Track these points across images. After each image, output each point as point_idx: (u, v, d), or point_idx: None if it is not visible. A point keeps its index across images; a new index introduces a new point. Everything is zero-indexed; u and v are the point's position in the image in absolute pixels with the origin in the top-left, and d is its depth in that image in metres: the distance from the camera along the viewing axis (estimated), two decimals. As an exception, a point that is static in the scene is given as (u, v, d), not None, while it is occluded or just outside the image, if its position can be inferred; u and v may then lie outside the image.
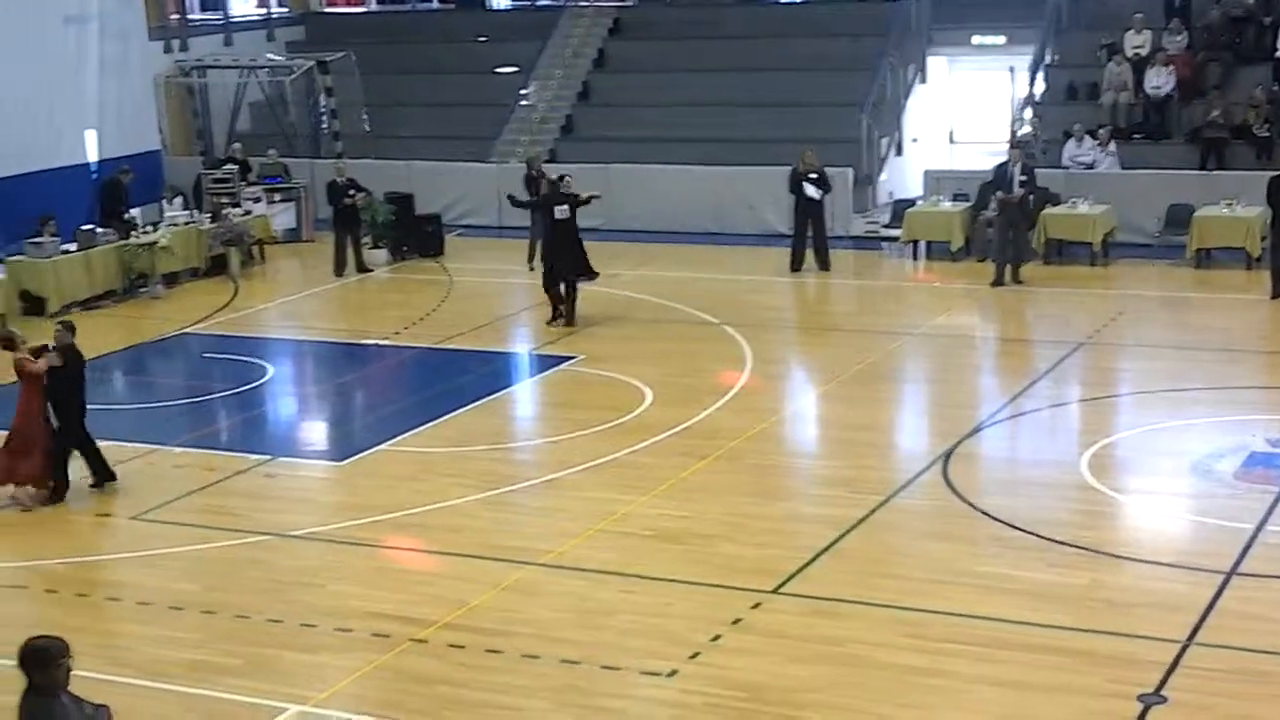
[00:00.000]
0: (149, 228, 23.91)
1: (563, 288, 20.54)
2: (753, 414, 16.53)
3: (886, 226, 25.46)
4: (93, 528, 14.04)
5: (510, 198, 22.53)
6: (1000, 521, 13.26)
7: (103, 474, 14.94)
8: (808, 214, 23.35)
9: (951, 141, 31.54)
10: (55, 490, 14.66)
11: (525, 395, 18.39)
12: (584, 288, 20.70)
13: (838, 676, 10.59)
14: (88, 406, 14.92)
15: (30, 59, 25.66)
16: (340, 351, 20.25)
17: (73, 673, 7.41)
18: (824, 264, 23.40)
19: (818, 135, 25.64)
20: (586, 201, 20.71)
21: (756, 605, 11.75)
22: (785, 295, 22.80)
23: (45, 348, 14.69)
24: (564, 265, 20.56)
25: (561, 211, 20.54)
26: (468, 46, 31.96)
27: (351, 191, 24.28)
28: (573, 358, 18.95)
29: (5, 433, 14.77)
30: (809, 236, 23.38)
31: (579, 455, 15.32)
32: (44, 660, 7.41)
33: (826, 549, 12.79)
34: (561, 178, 21.53)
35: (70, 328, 14.94)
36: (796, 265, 23.38)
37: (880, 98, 27.76)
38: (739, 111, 28.20)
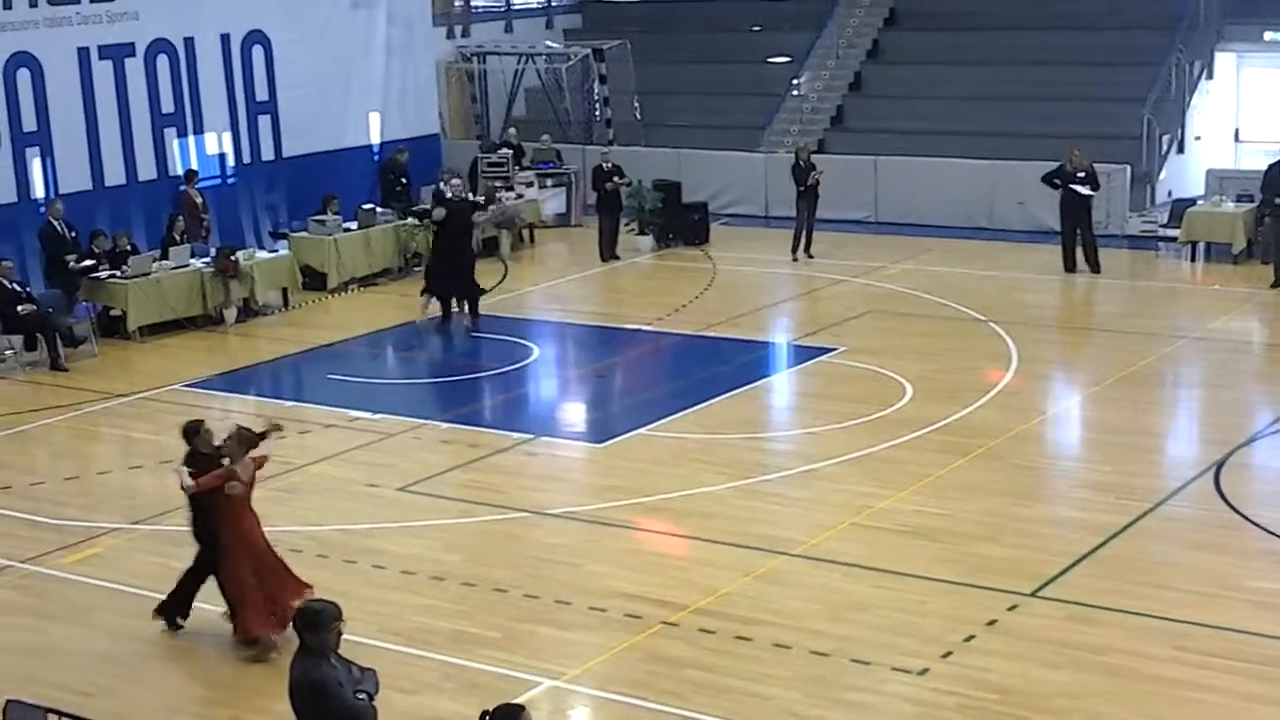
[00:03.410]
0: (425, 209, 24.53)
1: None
2: (1016, 413, 16.20)
3: (1164, 226, 24.65)
4: (361, 497, 14.47)
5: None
6: (1275, 535, 12.76)
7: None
8: (1073, 214, 22.74)
9: (1237, 140, 30.34)
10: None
11: (783, 385, 18.36)
12: (849, 280, 20.53)
13: (1095, 685, 10.33)
14: None
15: (320, 43, 26.61)
16: (603, 335, 20.52)
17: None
18: (1094, 265, 22.71)
19: (1096, 131, 24.96)
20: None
21: (1013, 607, 11.54)
22: (1055, 294, 22.25)
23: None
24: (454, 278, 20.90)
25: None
26: (741, 36, 32.00)
27: (615, 178, 24.59)
28: (833, 349, 18.84)
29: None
30: (1077, 236, 22.81)
31: (836, 447, 15.23)
32: (317, 623, 7.69)
33: (1088, 554, 12.48)
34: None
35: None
36: (1070, 265, 22.77)
37: (1163, 94, 26.87)
38: (1014, 105, 27.60)
